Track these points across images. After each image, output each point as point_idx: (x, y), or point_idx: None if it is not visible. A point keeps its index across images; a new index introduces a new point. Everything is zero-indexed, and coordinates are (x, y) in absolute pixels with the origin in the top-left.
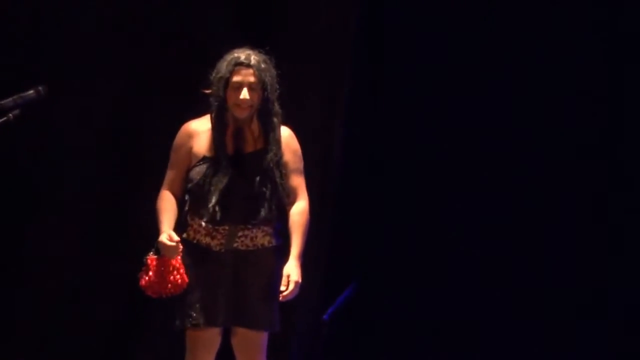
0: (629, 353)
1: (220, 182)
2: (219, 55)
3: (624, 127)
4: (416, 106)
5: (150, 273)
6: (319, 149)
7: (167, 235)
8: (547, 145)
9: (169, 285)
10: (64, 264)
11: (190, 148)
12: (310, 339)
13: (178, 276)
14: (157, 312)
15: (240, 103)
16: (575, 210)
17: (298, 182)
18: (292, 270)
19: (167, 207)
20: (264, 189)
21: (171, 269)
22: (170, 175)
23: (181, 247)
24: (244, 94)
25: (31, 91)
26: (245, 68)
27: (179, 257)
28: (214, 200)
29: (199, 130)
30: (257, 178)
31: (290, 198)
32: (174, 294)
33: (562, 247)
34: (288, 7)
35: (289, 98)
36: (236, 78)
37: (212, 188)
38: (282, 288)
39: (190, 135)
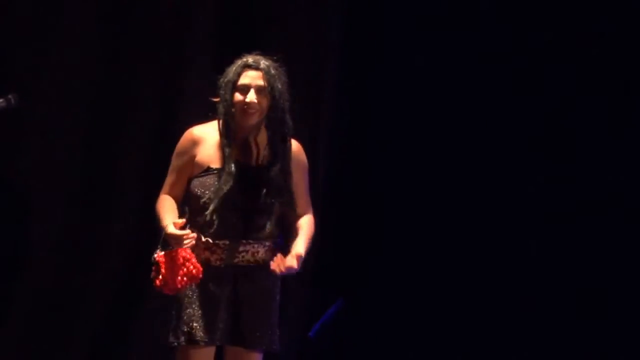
0: None
1: (221, 190)
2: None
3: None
4: (410, 108)
5: (163, 271)
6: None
7: (172, 224)
8: (549, 146)
9: (184, 278)
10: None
11: (194, 156)
12: (294, 357)
13: (191, 266)
14: (145, 326)
15: (247, 107)
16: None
17: (306, 200)
18: (300, 249)
19: (170, 205)
20: (268, 203)
21: (182, 260)
22: (170, 180)
23: (191, 235)
24: (251, 96)
25: (1, 100)
26: (254, 70)
27: (188, 248)
28: (211, 208)
29: (204, 138)
30: (262, 192)
31: (297, 216)
32: (191, 285)
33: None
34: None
35: None
36: (243, 80)
37: (212, 196)
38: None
39: (194, 142)
